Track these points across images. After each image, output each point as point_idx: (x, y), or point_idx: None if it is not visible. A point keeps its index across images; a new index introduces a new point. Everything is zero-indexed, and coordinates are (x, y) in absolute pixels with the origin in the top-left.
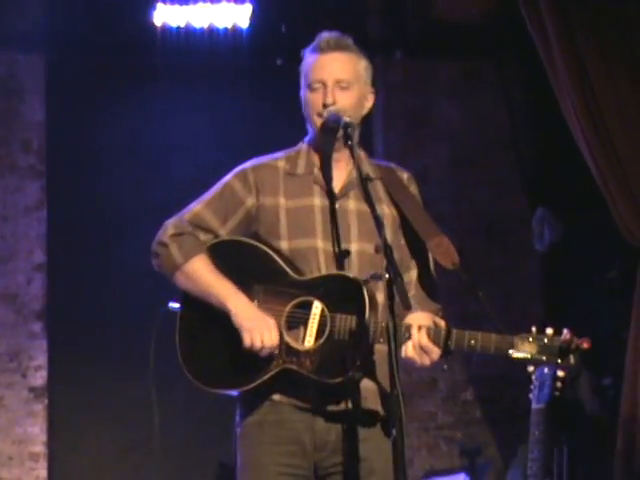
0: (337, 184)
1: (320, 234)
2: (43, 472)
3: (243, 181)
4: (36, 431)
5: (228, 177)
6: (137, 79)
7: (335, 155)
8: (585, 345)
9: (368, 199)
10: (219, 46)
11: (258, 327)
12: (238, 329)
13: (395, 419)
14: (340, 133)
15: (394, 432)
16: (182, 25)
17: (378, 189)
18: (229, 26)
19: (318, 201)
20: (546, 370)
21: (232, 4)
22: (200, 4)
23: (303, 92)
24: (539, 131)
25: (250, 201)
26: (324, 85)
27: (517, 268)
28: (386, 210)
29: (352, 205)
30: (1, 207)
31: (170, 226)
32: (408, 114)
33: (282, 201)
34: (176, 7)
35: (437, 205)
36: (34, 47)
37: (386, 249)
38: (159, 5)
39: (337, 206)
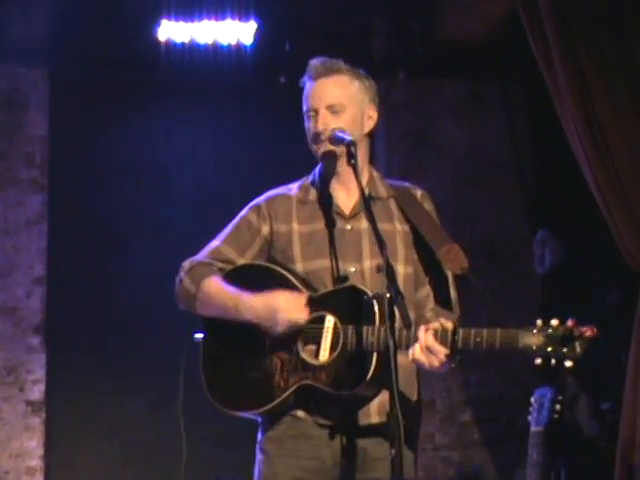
0: (348, 205)
1: (332, 255)
2: None
3: (257, 213)
4: (33, 445)
5: (243, 212)
6: (141, 94)
7: (342, 178)
8: (589, 333)
9: (371, 219)
10: (223, 63)
11: (278, 310)
12: (257, 323)
13: (395, 439)
14: (344, 150)
15: (392, 452)
16: (186, 41)
17: (391, 207)
18: (233, 43)
19: (329, 224)
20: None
21: (236, 21)
22: (205, 21)
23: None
24: (541, 154)
25: (265, 229)
26: (317, 113)
27: (517, 290)
28: (398, 227)
29: (364, 224)
30: (2, 220)
31: (186, 263)
32: (411, 135)
33: (295, 227)
34: (180, 23)
35: None
36: (38, 61)
37: (388, 269)
38: (164, 21)
39: (349, 227)
